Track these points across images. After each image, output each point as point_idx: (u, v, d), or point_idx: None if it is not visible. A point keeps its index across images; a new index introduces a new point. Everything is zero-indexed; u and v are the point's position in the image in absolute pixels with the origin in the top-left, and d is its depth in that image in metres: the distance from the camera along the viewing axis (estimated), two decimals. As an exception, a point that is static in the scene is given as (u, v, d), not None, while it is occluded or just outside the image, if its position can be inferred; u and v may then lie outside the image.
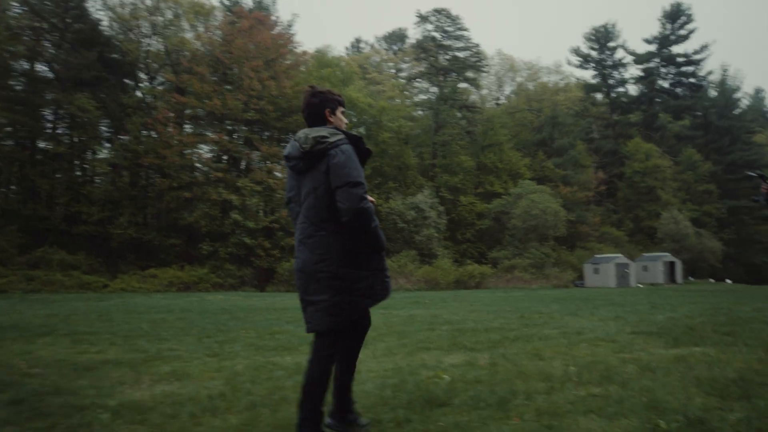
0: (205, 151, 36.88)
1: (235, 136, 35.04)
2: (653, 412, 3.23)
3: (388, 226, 35.09)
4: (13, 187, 32.51)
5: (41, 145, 33.50)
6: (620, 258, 38.50)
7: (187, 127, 36.07)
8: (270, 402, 3.53)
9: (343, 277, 2.92)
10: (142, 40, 36.06)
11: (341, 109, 3.24)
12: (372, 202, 3.00)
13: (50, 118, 33.87)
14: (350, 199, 2.80)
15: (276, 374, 4.48)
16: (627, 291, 26.58)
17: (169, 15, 36.57)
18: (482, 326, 8.49)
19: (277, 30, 37.66)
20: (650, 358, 5.32)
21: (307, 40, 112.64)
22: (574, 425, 2.99)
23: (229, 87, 33.72)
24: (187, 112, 34.16)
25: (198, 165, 34.00)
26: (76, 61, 32.18)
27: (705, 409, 3.34)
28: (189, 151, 32.75)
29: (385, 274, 3.08)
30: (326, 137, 2.94)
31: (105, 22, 35.80)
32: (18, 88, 32.62)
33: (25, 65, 33.84)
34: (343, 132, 3.05)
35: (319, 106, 3.16)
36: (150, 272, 29.52)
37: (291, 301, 18.49)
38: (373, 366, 4.91)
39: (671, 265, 40.28)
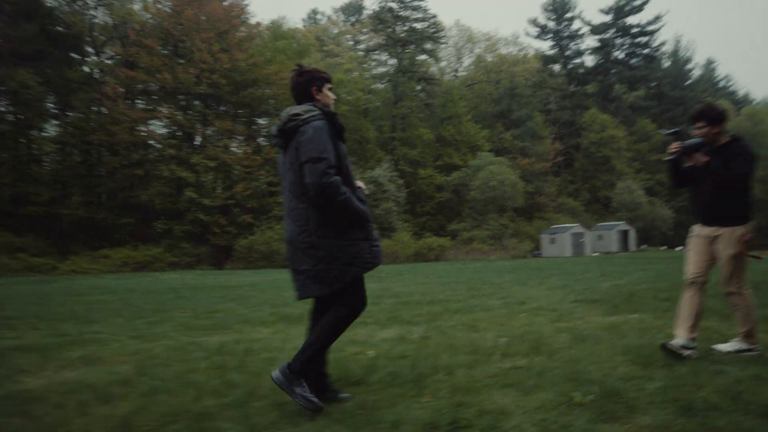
0: (157, 126, 35.76)
1: (189, 112, 34.01)
2: (572, 384, 3.16)
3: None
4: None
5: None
6: (576, 228, 39.25)
7: (139, 103, 34.84)
8: (173, 387, 3.32)
9: (321, 246, 3.01)
10: (87, 12, 34.43)
11: (328, 85, 3.28)
12: (361, 187, 3.16)
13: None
14: (312, 174, 2.88)
15: (193, 356, 4.27)
16: (581, 260, 27.11)
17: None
18: (428, 299, 8.43)
19: (229, 1, 36.47)
20: (585, 326, 5.31)
21: (263, 11, 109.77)
22: (487, 401, 2.89)
23: (181, 61, 32.61)
24: (139, 87, 32.93)
25: (150, 142, 32.93)
26: (15, 35, 30.51)
27: (625, 378, 3.29)
28: (140, 127, 31.64)
29: (372, 243, 3.13)
30: (299, 114, 3.04)
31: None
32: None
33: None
34: (319, 108, 3.11)
35: (305, 84, 3.22)
36: (102, 253, 28.69)
37: (245, 278, 18.20)
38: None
39: (625, 233, 41.27)
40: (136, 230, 31.26)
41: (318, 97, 3.21)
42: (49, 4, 33.38)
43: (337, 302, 3.08)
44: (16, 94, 30.18)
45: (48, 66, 31.74)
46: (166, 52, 33.53)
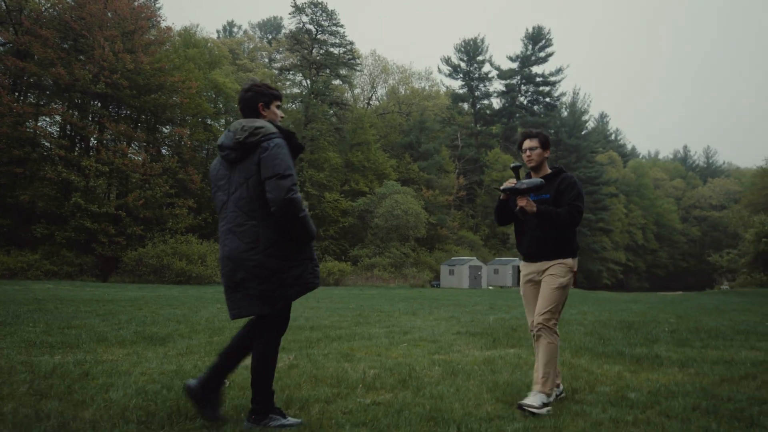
0: (47, 123, 33.16)
1: (83, 112, 31.82)
2: (430, 424, 3.00)
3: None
4: None
5: None
6: (474, 261, 40.40)
7: (29, 97, 32.22)
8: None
9: (270, 266, 2.98)
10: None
11: (276, 102, 3.27)
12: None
13: None
14: (278, 189, 2.88)
15: (17, 378, 3.71)
16: (476, 292, 27.80)
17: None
18: (311, 324, 8.12)
19: (139, 1, 34.87)
20: (461, 359, 5.24)
21: (177, 16, 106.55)
22: (333, 441, 2.65)
23: (81, 57, 30.57)
24: (29, 79, 30.43)
25: (37, 140, 30.42)
26: None
27: (487, 418, 3.18)
28: (25, 123, 29.16)
29: (315, 263, 3.16)
30: (260, 128, 3.02)
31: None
32: None
33: None
34: (277, 126, 3.11)
35: (251, 99, 3.20)
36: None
37: (127, 292, 16.99)
38: (154, 366, 4.31)
39: (519, 269, 42.92)
40: (12, 234, 28.55)
41: (264, 113, 3.19)
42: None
43: (263, 325, 3.04)
44: None
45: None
46: (66, 46, 31.35)
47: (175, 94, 32.50)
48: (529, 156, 3.96)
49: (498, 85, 62.11)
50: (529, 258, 3.98)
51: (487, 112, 60.20)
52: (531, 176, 4.00)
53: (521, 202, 3.73)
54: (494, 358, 5.36)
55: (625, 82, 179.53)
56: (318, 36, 44.33)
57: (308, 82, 45.16)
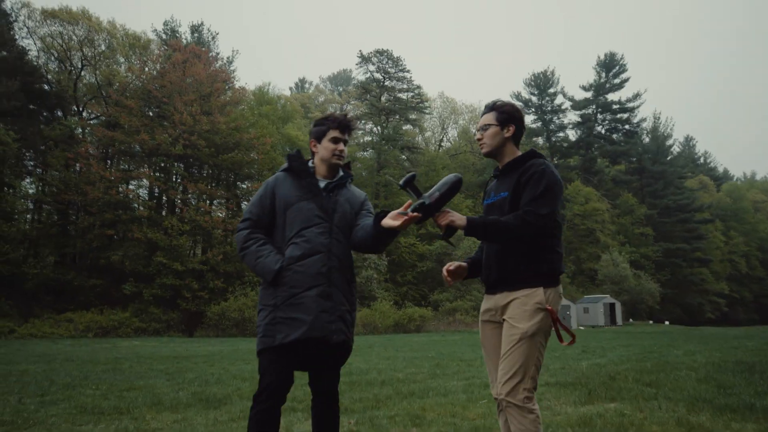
0: (134, 187, 35.11)
1: (166, 174, 33.46)
2: None
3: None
4: None
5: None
6: (562, 300, 38.40)
7: (118, 163, 34.37)
8: None
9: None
10: (73, 71, 34.50)
11: (332, 134, 2.85)
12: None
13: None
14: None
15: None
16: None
17: (102, 47, 35.23)
18: (383, 378, 7.49)
19: (218, 65, 36.76)
20: (552, 419, 4.45)
21: (252, 77, 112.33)
22: None
23: (166, 123, 32.37)
24: (119, 147, 32.47)
25: (125, 203, 32.15)
26: (-6, 90, 30.26)
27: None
28: (116, 187, 30.93)
29: (276, 313, 2.63)
30: None
31: (32, 51, 34.12)
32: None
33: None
34: (294, 161, 2.90)
35: (310, 137, 2.98)
36: (66, 316, 27.24)
37: (207, 347, 17.02)
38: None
39: (611, 306, 40.42)
40: (105, 293, 29.93)
41: (315, 150, 2.91)
42: (34, 63, 33.40)
43: None
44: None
45: (27, 123, 31.35)
46: (150, 113, 33.36)
47: (251, 151, 33.58)
48: (480, 139, 2.77)
49: (573, 116, 60.51)
50: (487, 288, 2.74)
51: (564, 144, 58.46)
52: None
53: (442, 220, 2.53)
54: (591, 417, 4.53)
55: (709, 103, 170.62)
56: (385, 83, 44.96)
57: (379, 128, 45.65)
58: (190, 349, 15.52)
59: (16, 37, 32.94)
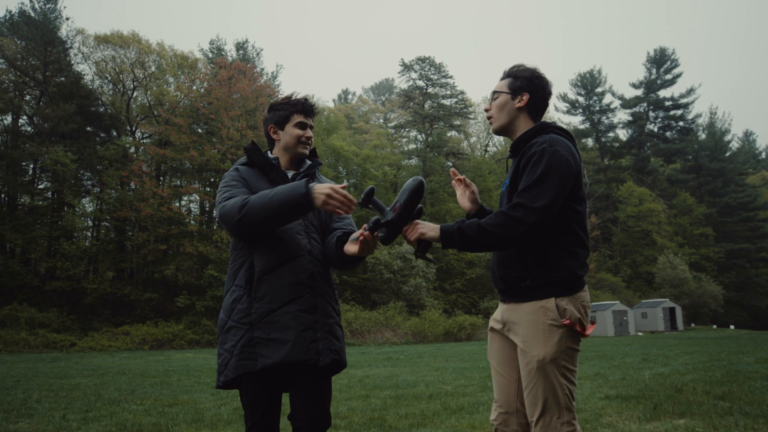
0: (186, 202, 36.00)
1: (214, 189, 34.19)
2: None
3: (374, 276, 33.81)
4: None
5: (24, 199, 32.82)
6: (617, 305, 37.05)
7: (170, 180, 35.33)
8: None
9: (219, 322, 2.34)
10: (126, 93, 35.75)
11: (297, 118, 2.47)
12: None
13: (34, 172, 33.34)
14: (220, 220, 2.23)
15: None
16: (624, 340, 25.10)
17: (152, 68, 36.37)
18: (431, 391, 7.19)
19: (262, 80, 37.37)
20: (615, 438, 4.07)
21: (296, 90, 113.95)
22: None
23: (215, 139, 33.11)
24: (174, 165, 33.38)
25: (176, 218, 32.98)
26: (54, 114, 31.66)
27: None
28: (168, 203, 31.77)
29: (257, 332, 2.19)
30: None
31: (88, 75, 35.55)
32: (-1, 142, 32.27)
33: (7, 120, 33.54)
34: (244, 148, 2.49)
35: (264, 126, 2.56)
36: (123, 329, 28.03)
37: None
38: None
39: (671, 311, 38.75)
40: (159, 306, 30.71)
41: (277, 137, 2.50)
42: (89, 86, 34.78)
43: None
44: (53, 171, 30.93)
45: (83, 143, 32.63)
46: (199, 130, 34.19)
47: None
48: (487, 110, 2.35)
49: (623, 115, 58.75)
50: (500, 294, 2.31)
51: (614, 144, 56.73)
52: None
53: (411, 234, 2.10)
54: (660, 434, 4.13)
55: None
56: (428, 90, 44.72)
57: (423, 136, 45.42)
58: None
59: (72, 63, 34.40)
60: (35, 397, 7.09)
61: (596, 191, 51.55)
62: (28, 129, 33.93)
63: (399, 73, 45.17)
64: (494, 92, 2.30)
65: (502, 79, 2.32)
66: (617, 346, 18.58)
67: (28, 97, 34.08)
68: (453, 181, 2.47)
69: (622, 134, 58.13)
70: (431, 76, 44.03)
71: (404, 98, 45.64)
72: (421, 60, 43.69)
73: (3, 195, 32.67)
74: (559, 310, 2.04)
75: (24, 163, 32.53)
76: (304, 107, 2.49)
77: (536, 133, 2.18)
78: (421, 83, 44.51)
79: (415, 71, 44.02)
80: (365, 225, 2.09)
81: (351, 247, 2.17)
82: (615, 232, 48.97)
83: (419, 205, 2.08)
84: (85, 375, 10.86)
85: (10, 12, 34.46)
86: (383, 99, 60.96)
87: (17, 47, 31.96)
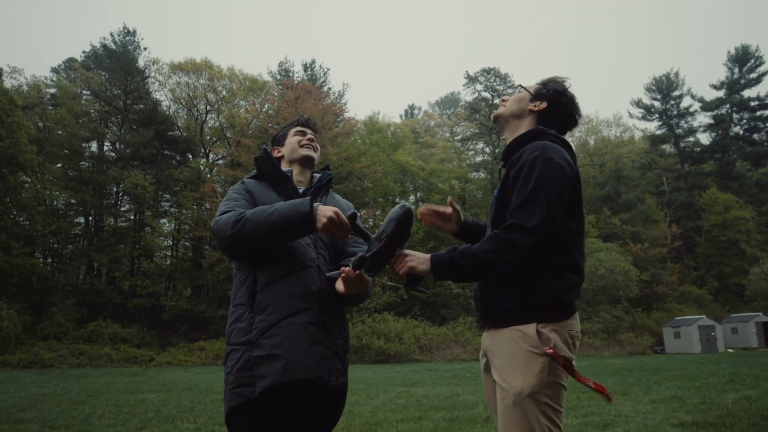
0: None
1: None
2: None
3: (443, 291, 33.39)
4: (74, 262, 33.44)
5: (109, 221, 34.95)
6: (704, 320, 34.77)
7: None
8: None
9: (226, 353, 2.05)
10: (199, 117, 37.37)
11: (295, 130, 2.44)
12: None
13: (116, 195, 35.47)
14: (216, 238, 2.04)
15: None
16: (711, 358, 23.43)
17: (224, 92, 37.86)
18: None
19: (329, 99, 38.03)
20: (683, 473, 3.65)
21: (362, 107, 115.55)
22: None
23: (283, 159, 33.96)
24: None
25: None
26: (134, 140, 33.55)
27: None
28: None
29: (256, 351, 1.92)
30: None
31: (164, 102, 37.47)
32: (85, 167, 34.51)
33: (93, 147, 35.89)
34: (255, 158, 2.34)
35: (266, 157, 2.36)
36: (198, 345, 29.00)
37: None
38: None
39: (765, 325, 35.92)
40: (233, 323, 31.60)
41: (280, 154, 2.42)
42: (166, 112, 36.64)
43: None
44: (134, 194, 32.70)
45: (161, 167, 34.33)
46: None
47: (363, 180, 34.18)
48: (504, 100, 2.19)
49: (703, 119, 55.63)
50: (480, 320, 2.10)
51: (695, 149, 53.71)
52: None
53: (400, 267, 1.92)
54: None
55: None
56: (494, 101, 44.07)
57: (491, 148, 44.76)
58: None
59: (150, 90, 36.38)
60: (98, 413, 7.30)
61: (676, 199, 48.88)
62: (112, 155, 36.06)
63: (464, 85, 44.88)
64: (519, 86, 2.18)
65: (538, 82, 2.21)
66: (702, 365, 17.31)
67: (111, 125, 36.29)
68: (446, 209, 2.22)
69: (704, 138, 55.05)
70: (497, 87, 43.42)
71: (470, 110, 45.21)
72: (486, 71, 43.19)
73: (90, 218, 34.79)
74: (541, 337, 1.79)
75: (108, 187, 34.57)
76: (301, 121, 2.43)
77: (529, 138, 2.00)
78: (486, 94, 43.99)
79: (480, 83, 43.58)
80: (349, 260, 1.94)
81: (339, 285, 1.97)
82: (699, 242, 46.17)
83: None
84: (154, 390, 11.18)
85: (94, 46, 36.93)
86: (449, 113, 60.67)
87: (101, 79, 34.10)
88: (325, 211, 1.92)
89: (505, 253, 1.77)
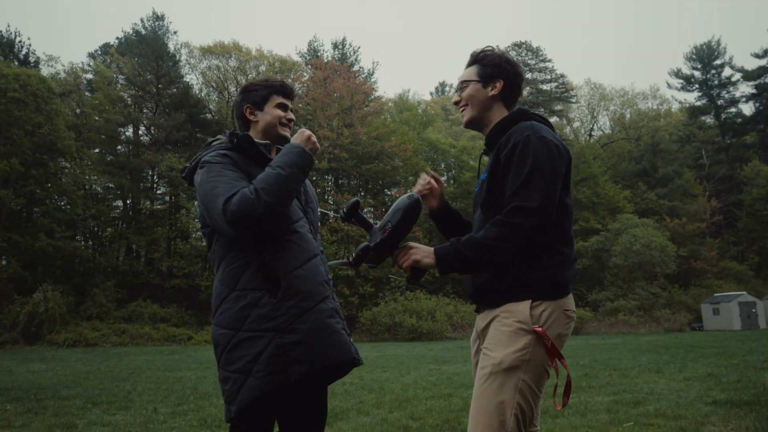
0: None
1: (324, 188, 35.22)
2: None
3: (474, 269, 33.29)
4: (113, 245, 34.39)
5: (146, 204, 35.81)
6: (744, 296, 33.88)
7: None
8: None
9: (218, 341, 2.00)
10: (230, 99, 37.73)
11: (277, 99, 2.25)
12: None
13: (152, 178, 36.26)
14: (218, 219, 1.92)
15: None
16: (751, 335, 22.90)
17: (253, 74, 38.07)
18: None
19: (359, 78, 37.87)
20: (713, 452, 3.61)
21: (392, 85, 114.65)
22: None
23: (313, 138, 34.09)
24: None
25: (280, 216, 34.33)
26: (167, 123, 34.12)
27: None
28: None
29: (289, 337, 1.91)
30: (197, 155, 2.21)
31: (196, 85, 37.90)
32: (121, 152, 35.30)
33: (128, 132, 36.64)
34: (235, 136, 2.16)
35: (237, 108, 2.30)
36: (233, 324, 29.66)
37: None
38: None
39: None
40: (267, 302, 32.20)
41: (254, 119, 2.27)
42: (197, 96, 37.07)
43: None
44: (168, 177, 33.33)
45: (194, 150, 34.85)
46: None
47: (393, 158, 34.10)
48: (457, 103, 2.09)
49: (746, 89, 53.42)
50: (472, 301, 2.06)
51: (737, 121, 51.81)
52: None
53: (404, 261, 1.85)
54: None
55: None
56: (526, 76, 43.27)
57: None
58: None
59: (182, 74, 36.81)
60: (138, 390, 7.58)
61: (717, 172, 47.42)
62: (146, 139, 36.77)
63: (495, 60, 44.07)
64: (462, 81, 2.05)
65: (468, 66, 2.07)
66: (742, 342, 16.95)
67: (145, 110, 36.94)
68: (428, 182, 2.16)
69: (746, 109, 53.04)
70: (528, 62, 42.57)
71: (501, 86, 44.57)
72: (517, 45, 42.36)
73: (127, 201, 35.67)
74: (533, 314, 1.76)
75: (144, 171, 35.33)
76: (284, 88, 2.30)
77: (514, 120, 1.94)
78: (518, 69, 43.25)
79: (511, 57, 42.82)
80: (351, 255, 1.87)
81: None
82: (740, 216, 44.79)
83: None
84: (192, 368, 11.50)
85: (125, 33, 37.45)
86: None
87: (133, 65, 34.64)
88: (302, 136, 2.13)
89: (510, 239, 1.73)
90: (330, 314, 2.03)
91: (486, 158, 2.08)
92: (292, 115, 2.31)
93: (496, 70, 2.00)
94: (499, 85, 1.99)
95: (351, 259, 1.84)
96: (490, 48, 2.05)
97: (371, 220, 1.93)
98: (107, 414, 5.65)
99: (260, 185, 1.90)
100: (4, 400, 6.63)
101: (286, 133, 2.28)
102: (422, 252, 1.82)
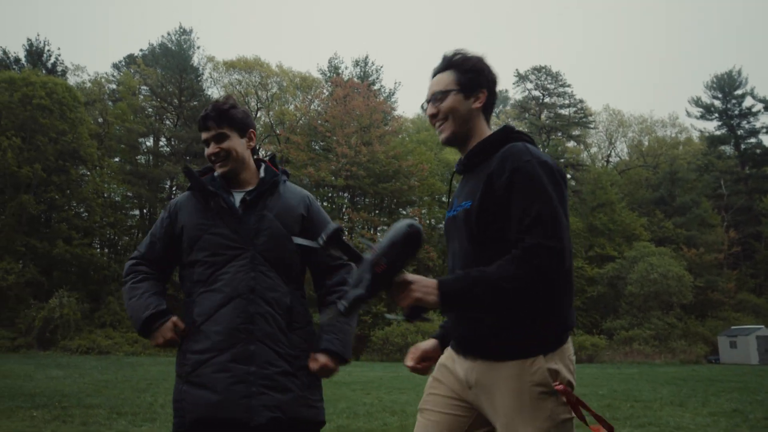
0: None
1: (340, 205, 35.33)
2: None
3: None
4: (129, 253, 34.68)
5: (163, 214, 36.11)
6: (763, 330, 33.32)
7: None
8: None
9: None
10: (251, 114, 38.15)
11: (203, 137, 2.19)
12: None
13: (170, 189, 36.63)
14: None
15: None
16: (770, 370, 22.46)
17: (274, 89, 38.53)
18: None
19: (380, 97, 38.13)
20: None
21: (413, 105, 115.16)
22: None
23: (331, 156, 34.34)
24: (293, 181, 35.01)
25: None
26: (188, 135, 34.54)
27: None
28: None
29: (186, 385, 1.98)
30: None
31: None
32: (141, 162, 35.76)
33: (149, 142, 37.15)
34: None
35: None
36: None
37: (370, 372, 17.29)
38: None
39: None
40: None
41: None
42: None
43: None
44: (186, 188, 33.64)
45: (212, 163, 35.23)
46: (316, 147, 35.67)
47: (410, 178, 34.19)
48: (434, 116, 1.74)
49: (766, 119, 53.25)
50: (455, 345, 1.75)
51: (757, 151, 51.42)
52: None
53: (403, 299, 1.50)
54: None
55: None
56: (545, 100, 43.40)
57: (540, 147, 44.08)
58: (353, 374, 15.82)
59: (204, 88, 37.35)
60: (160, 402, 7.58)
61: (735, 203, 46.97)
62: (166, 149, 37.22)
63: (513, 84, 44.40)
64: (439, 92, 1.71)
65: (440, 71, 1.75)
66: (762, 378, 16.63)
67: (167, 122, 37.47)
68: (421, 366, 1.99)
69: (766, 140, 52.66)
70: (548, 86, 42.74)
71: (519, 109, 44.64)
72: (537, 70, 42.58)
73: (145, 210, 36.03)
74: (550, 372, 1.52)
75: (162, 182, 35.72)
76: (203, 121, 2.13)
77: (502, 141, 1.66)
78: (536, 93, 43.38)
79: (531, 81, 43.01)
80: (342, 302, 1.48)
81: (313, 365, 2.10)
82: (758, 248, 44.24)
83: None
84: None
85: (151, 44, 38.14)
86: (497, 111, 60.02)
87: (158, 76, 35.23)
88: (164, 332, 2.02)
89: (535, 281, 1.46)
90: (222, 367, 1.94)
91: (460, 178, 1.81)
92: (214, 149, 2.11)
93: (478, 77, 1.72)
94: (482, 95, 1.72)
95: (343, 310, 1.47)
96: (464, 51, 1.76)
97: (369, 240, 1.58)
98: (133, 425, 5.67)
99: (129, 284, 2.18)
100: (29, 406, 6.67)
101: (221, 169, 2.14)
102: (424, 288, 1.50)
